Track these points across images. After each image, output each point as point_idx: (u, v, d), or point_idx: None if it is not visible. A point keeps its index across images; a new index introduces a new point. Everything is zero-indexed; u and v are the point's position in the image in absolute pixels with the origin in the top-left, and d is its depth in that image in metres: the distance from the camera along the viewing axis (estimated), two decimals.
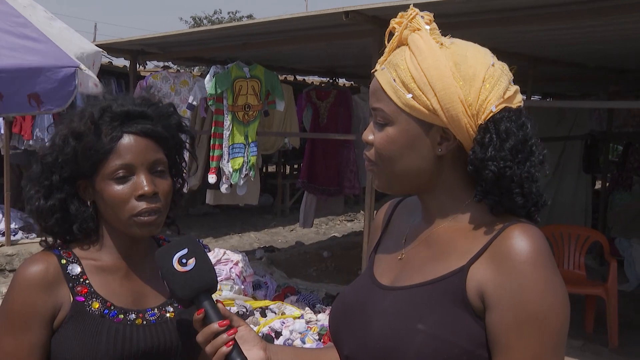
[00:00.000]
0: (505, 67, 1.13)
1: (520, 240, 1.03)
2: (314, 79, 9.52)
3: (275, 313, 4.95)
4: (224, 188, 6.05)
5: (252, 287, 5.71)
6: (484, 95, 1.07)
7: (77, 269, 1.38)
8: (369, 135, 1.17)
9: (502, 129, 1.06)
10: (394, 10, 1.20)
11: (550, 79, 7.91)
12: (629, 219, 7.27)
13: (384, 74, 1.14)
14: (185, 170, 1.53)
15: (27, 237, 7.80)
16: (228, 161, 5.90)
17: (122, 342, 1.34)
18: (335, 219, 10.44)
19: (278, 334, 4.50)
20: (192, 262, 1.24)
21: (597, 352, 4.97)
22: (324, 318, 4.72)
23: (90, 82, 2.54)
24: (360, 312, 1.18)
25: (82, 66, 2.37)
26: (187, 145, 1.52)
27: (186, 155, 1.55)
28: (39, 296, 1.33)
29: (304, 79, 9.61)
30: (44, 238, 1.44)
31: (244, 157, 5.94)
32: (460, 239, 1.12)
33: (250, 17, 28.71)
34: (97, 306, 1.36)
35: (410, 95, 1.10)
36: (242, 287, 5.48)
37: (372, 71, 1.19)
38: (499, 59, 1.14)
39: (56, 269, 1.36)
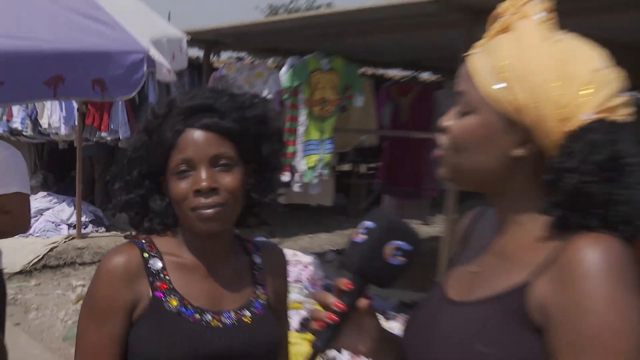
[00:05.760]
0: (620, 76, 1.05)
1: (585, 252, 0.98)
2: (395, 73, 9.56)
3: None
4: (296, 186, 6.11)
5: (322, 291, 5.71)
6: (581, 100, 1.01)
7: (159, 264, 1.46)
8: (447, 120, 1.15)
9: (591, 140, 1.00)
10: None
11: None
12: None
13: (477, 58, 1.11)
14: (279, 166, 1.56)
15: (97, 231, 8.04)
16: (302, 158, 5.98)
17: (198, 342, 1.40)
18: (411, 223, 10.32)
19: None
20: (402, 260, 1.17)
21: None
22: (396, 326, 4.60)
23: (163, 69, 2.56)
24: (427, 328, 1.19)
25: (153, 52, 2.36)
26: (275, 139, 1.53)
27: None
28: (120, 288, 1.41)
29: (382, 74, 9.66)
30: (129, 232, 1.55)
31: (318, 154, 6.00)
32: (528, 251, 1.09)
33: (328, 5, 28.97)
34: (174, 303, 1.43)
35: (499, 86, 1.06)
36: (312, 290, 5.48)
37: (464, 54, 1.16)
38: (612, 51, 1.07)
39: (138, 262, 1.44)
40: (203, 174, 1.38)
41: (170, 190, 1.43)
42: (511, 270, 1.09)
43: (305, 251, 6.51)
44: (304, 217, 10.32)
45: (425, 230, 10.40)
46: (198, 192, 1.38)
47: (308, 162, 5.95)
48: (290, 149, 6.01)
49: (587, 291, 0.96)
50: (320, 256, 7.05)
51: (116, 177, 1.52)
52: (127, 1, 3.06)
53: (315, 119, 5.95)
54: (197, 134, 1.40)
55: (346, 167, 12.71)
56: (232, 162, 1.42)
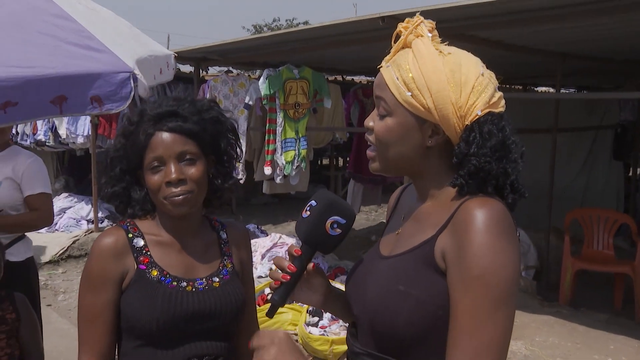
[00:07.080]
0: (493, 76, 1.18)
1: (473, 211, 1.08)
2: (362, 78, 9.50)
3: None
4: (278, 179, 6.22)
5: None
6: (472, 100, 1.13)
7: (141, 242, 1.53)
8: (370, 121, 1.24)
9: (485, 130, 1.12)
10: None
11: (581, 73, 7.73)
12: None
13: (388, 71, 1.19)
14: (235, 157, 1.62)
15: (112, 225, 8.07)
16: (281, 154, 6.05)
17: (175, 304, 1.47)
18: (384, 206, 10.42)
19: None
20: (339, 231, 1.26)
21: (623, 324, 4.91)
22: None
23: (141, 87, 2.64)
24: (362, 278, 1.29)
25: (136, 71, 2.49)
26: (230, 135, 1.60)
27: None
28: (110, 263, 1.48)
29: (352, 79, 9.63)
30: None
31: (295, 150, 6.09)
32: (436, 214, 1.18)
33: (306, 23, 28.66)
34: (155, 274, 1.50)
35: (409, 94, 1.15)
36: None
37: (378, 67, 1.23)
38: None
39: (124, 241, 1.51)
40: (172, 168, 1.46)
41: (147, 182, 1.50)
42: (423, 230, 1.18)
43: (290, 235, 6.73)
44: (290, 206, 10.36)
45: None
46: (169, 183, 1.46)
47: (286, 157, 6.02)
48: (271, 147, 6.08)
49: (473, 240, 1.06)
50: None
51: (103, 173, 1.59)
52: (120, 26, 3.20)
53: (291, 120, 6.02)
54: (165, 136, 1.48)
55: (326, 161, 12.82)
56: (195, 156, 1.49)
